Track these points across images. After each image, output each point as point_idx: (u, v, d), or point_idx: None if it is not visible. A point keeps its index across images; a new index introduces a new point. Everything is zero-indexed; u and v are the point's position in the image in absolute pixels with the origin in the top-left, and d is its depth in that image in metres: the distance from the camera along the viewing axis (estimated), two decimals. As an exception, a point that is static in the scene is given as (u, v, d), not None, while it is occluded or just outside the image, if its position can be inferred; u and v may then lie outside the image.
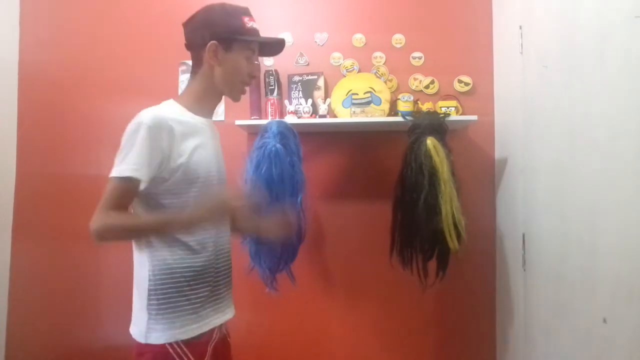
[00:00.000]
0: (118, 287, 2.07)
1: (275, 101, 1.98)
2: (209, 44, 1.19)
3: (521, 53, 1.73)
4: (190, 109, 1.22)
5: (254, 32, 1.24)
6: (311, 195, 2.01)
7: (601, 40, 1.17)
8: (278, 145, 1.72)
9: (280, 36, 1.43)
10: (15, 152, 2.15)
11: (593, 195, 1.20)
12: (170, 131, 1.11)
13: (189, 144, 1.16)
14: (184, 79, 2.09)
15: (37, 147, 2.15)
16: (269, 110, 1.98)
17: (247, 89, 1.32)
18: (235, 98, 1.28)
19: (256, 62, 1.31)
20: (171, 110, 1.18)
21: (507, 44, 1.90)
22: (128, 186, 1.08)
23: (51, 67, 2.17)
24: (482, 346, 2.04)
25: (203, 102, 1.25)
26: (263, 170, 1.69)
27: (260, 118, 2.00)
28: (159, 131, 1.09)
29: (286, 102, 2.01)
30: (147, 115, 1.10)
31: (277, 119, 1.93)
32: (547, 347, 1.51)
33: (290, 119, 1.92)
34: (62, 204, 2.13)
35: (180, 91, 2.08)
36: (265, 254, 1.77)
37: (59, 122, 2.15)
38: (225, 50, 1.20)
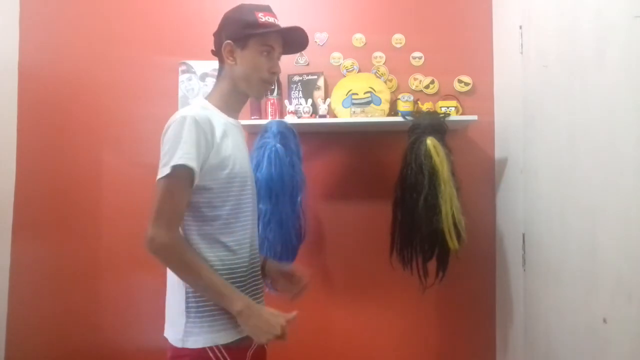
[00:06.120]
0: (118, 287, 2.09)
1: (275, 101, 1.98)
2: (224, 44, 1.20)
3: (521, 53, 1.73)
4: (219, 109, 1.22)
5: (269, 25, 1.20)
6: (311, 195, 2.01)
7: (601, 40, 1.17)
8: (278, 145, 1.72)
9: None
10: (15, 152, 2.15)
11: (593, 195, 1.20)
12: (211, 125, 1.11)
13: (228, 143, 1.15)
14: (184, 79, 2.09)
15: (37, 147, 2.15)
16: (269, 110, 1.98)
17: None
18: (258, 97, 1.28)
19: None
20: (207, 109, 1.17)
21: (507, 44, 1.90)
22: (182, 179, 1.05)
23: (51, 67, 2.17)
24: (482, 346, 2.04)
25: (228, 103, 1.24)
26: (263, 170, 1.69)
27: (260, 118, 2.00)
28: (204, 124, 1.09)
29: (286, 102, 2.01)
30: (188, 110, 1.11)
31: (277, 119, 1.93)
32: (547, 347, 1.51)
33: (290, 119, 1.92)
34: (62, 204, 2.13)
35: (180, 92, 2.08)
36: (266, 253, 1.77)
37: (59, 122, 2.15)
38: (241, 48, 1.19)
